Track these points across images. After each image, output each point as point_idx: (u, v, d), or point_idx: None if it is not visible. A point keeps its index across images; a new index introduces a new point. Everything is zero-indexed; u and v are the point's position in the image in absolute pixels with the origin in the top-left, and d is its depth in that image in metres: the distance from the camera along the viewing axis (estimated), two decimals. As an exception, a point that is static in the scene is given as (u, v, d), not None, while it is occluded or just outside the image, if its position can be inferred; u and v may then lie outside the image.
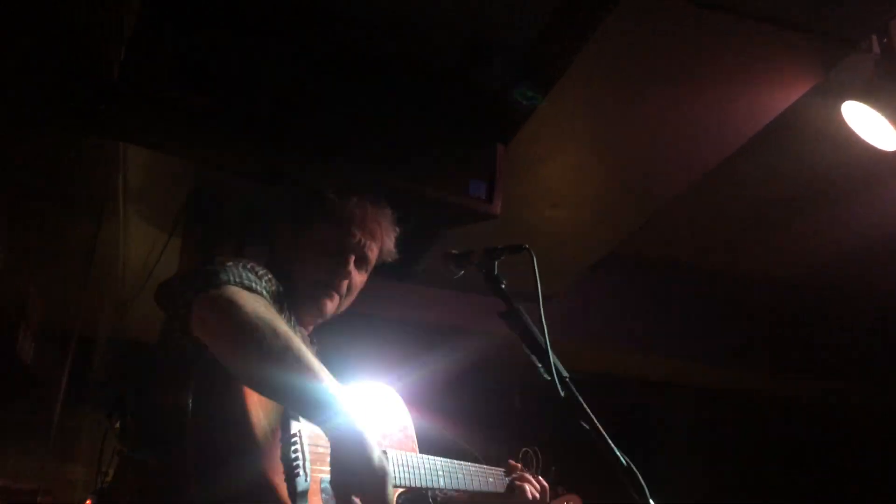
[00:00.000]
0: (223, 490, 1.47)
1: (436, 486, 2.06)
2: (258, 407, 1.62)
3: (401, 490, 1.95)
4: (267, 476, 1.56)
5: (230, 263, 1.69)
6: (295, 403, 1.60)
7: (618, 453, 1.63)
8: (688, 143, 3.35)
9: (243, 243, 4.61)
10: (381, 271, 2.22)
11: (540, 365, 1.77)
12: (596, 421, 1.72)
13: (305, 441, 1.67)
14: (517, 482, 2.43)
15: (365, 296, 2.20)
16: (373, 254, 2.13)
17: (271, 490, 1.55)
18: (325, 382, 1.53)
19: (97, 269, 3.55)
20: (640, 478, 1.57)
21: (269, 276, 1.81)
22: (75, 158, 2.59)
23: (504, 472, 2.47)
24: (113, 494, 1.72)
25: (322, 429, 1.56)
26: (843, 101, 3.13)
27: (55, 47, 2.00)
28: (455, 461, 2.19)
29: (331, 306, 2.05)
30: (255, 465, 1.56)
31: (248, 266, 1.75)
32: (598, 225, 4.20)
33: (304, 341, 1.83)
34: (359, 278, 2.11)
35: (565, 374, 1.75)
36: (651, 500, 1.56)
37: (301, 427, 1.69)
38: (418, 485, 1.98)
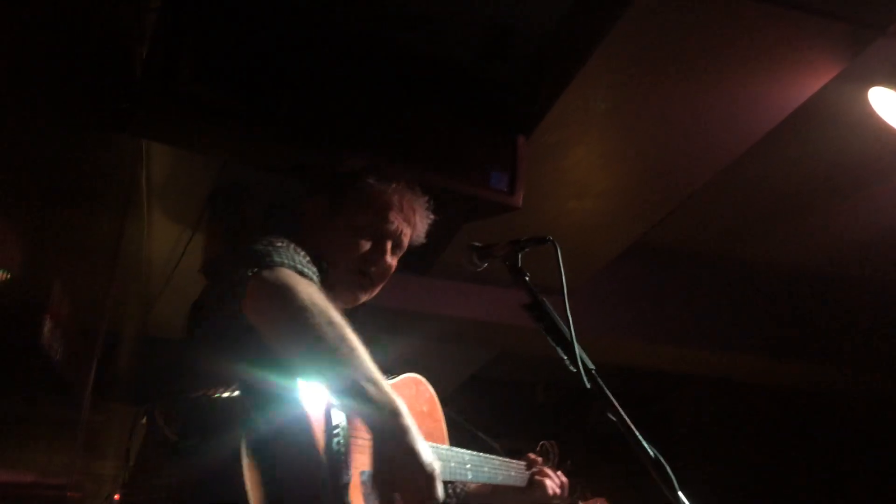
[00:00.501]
0: (271, 481, 1.45)
1: (463, 479, 2.05)
2: (307, 395, 1.60)
3: None
4: (312, 467, 1.55)
5: (280, 244, 1.65)
6: (343, 393, 1.56)
7: (646, 445, 1.62)
8: (713, 131, 3.31)
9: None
10: (400, 265, 2.17)
11: (566, 357, 1.76)
12: (623, 413, 1.71)
13: (346, 433, 1.66)
14: (538, 476, 2.41)
15: (384, 289, 2.18)
16: (407, 240, 2.10)
17: (316, 482, 1.54)
18: (376, 375, 1.52)
19: (122, 265, 3.58)
20: (669, 470, 1.56)
21: (308, 258, 1.75)
22: (99, 156, 2.61)
23: (525, 465, 2.45)
24: (145, 487, 1.68)
25: (367, 422, 1.53)
26: (870, 86, 3.08)
27: (77, 46, 2.01)
28: (481, 454, 2.17)
29: (364, 295, 2.03)
30: (303, 455, 1.54)
31: (295, 248, 1.71)
32: (622, 216, 4.17)
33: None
34: (393, 264, 2.07)
35: (591, 365, 1.74)
36: (679, 493, 1.55)
37: (342, 419, 1.67)
38: (447, 478, 1.95)
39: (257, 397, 1.53)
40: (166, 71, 2.49)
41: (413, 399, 2.02)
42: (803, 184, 4.29)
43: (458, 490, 2.25)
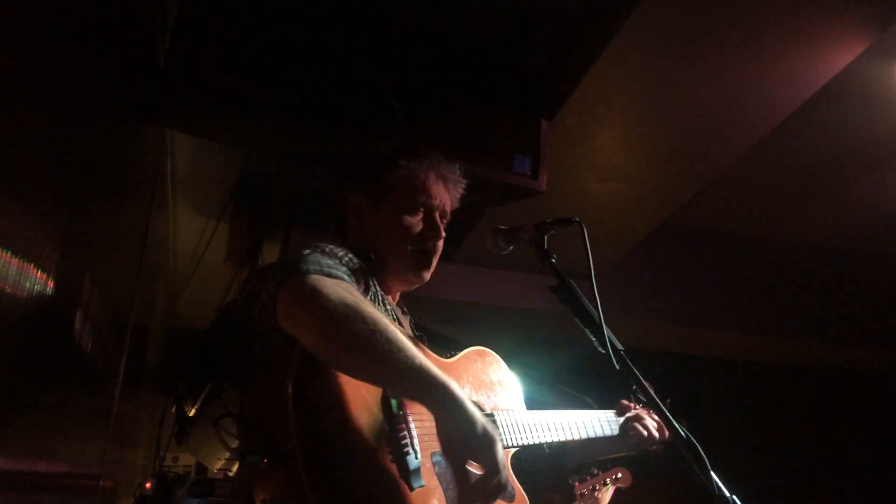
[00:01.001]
0: (338, 492, 1.47)
1: (546, 440, 2.03)
2: (359, 391, 1.61)
3: (514, 450, 1.94)
4: (377, 462, 1.56)
5: (307, 251, 1.68)
6: (389, 384, 1.60)
7: (677, 426, 1.61)
8: (739, 109, 3.27)
9: (290, 228, 4.65)
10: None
11: (594, 338, 1.75)
12: (654, 394, 1.70)
13: (410, 418, 1.66)
14: (631, 422, 2.33)
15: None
16: (450, 209, 2.12)
17: (383, 475, 1.55)
18: (417, 360, 1.53)
19: (149, 258, 3.61)
20: (701, 450, 1.55)
21: (349, 254, 1.79)
22: (126, 149, 2.63)
23: (615, 413, 2.38)
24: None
25: (423, 404, 1.57)
26: (899, 62, 3.03)
27: (102, 38, 2.02)
28: (564, 412, 2.15)
29: (428, 272, 2.05)
30: (365, 455, 1.55)
31: (327, 250, 1.73)
32: (647, 198, 4.13)
33: (393, 314, 1.90)
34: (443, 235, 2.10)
35: (620, 346, 1.73)
36: (712, 472, 1.54)
37: (403, 406, 1.67)
38: (529, 442, 1.97)
39: (311, 407, 1.53)
40: (191, 61, 2.49)
41: (479, 370, 2.02)
42: (831, 161, 4.23)
43: (553, 449, 2.24)
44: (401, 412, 1.64)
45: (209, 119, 2.73)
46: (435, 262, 2.06)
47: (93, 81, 1.98)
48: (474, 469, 1.56)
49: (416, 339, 2.00)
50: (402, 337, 1.55)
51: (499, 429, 1.85)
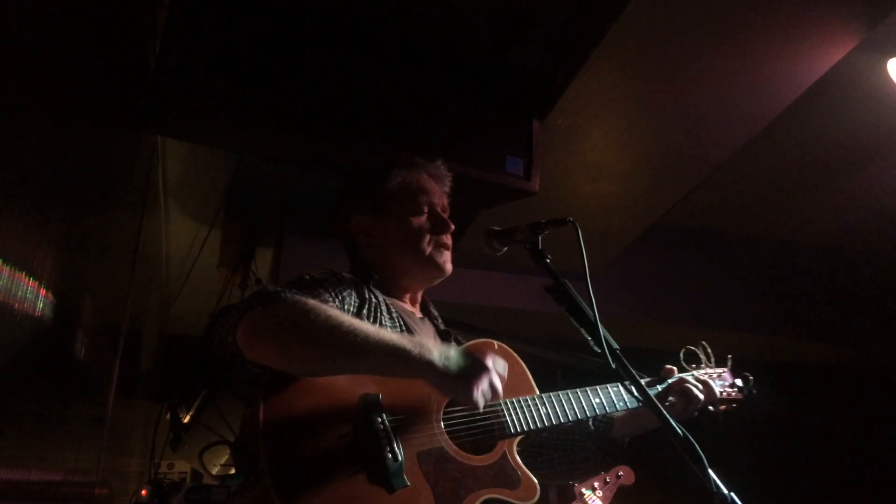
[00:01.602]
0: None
1: (559, 422, 1.99)
2: (333, 403, 1.66)
3: (521, 436, 1.92)
4: (350, 470, 1.60)
5: (257, 292, 1.75)
6: (358, 367, 1.67)
7: (673, 423, 1.60)
8: (731, 107, 3.28)
9: (282, 232, 4.65)
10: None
11: (590, 338, 1.75)
12: (649, 392, 1.70)
13: (389, 423, 1.69)
14: (674, 387, 2.26)
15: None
16: (447, 203, 2.22)
17: (357, 483, 1.59)
18: (373, 336, 1.61)
19: (142, 264, 3.60)
20: (698, 448, 1.55)
21: (329, 274, 1.89)
22: (117, 155, 2.62)
23: (655, 380, 2.30)
24: None
25: (393, 375, 1.68)
26: (889, 57, 3.05)
27: (91, 44, 2.01)
28: (591, 388, 2.12)
29: (449, 263, 2.13)
30: (336, 464, 1.59)
31: (288, 283, 1.83)
32: (640, 197, 4.14)
33: (398, 320, 1.95)
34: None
35: (616, 345, 1.73)
36: (710, 471, 1.53)
37: (382, 411, 1.70)
38: (539, 426, 1.94)
39: (279, 431, 1.60)
40: (181, 64, 2.49)
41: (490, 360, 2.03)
42: (823, 157, 4.25)
43: (599, 426, 2.22)
44: (379, 418, 1.68)
45: (200, 123, 2.73)
46: (450, 251, 2.14)
47: (83, 87, 1.97)
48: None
49: (443, 334, 2.12)
50: (356, 322, 1.63)
51: (504, 417, 1.88)
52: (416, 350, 1.62)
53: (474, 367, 1.66)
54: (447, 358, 1.64)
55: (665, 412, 1.64)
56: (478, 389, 1.63)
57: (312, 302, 1.67)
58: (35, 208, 1.63)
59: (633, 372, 1.69)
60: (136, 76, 2.76)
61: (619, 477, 3.76)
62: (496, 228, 2.00)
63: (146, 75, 2.80)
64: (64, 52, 1.74)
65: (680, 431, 1.58)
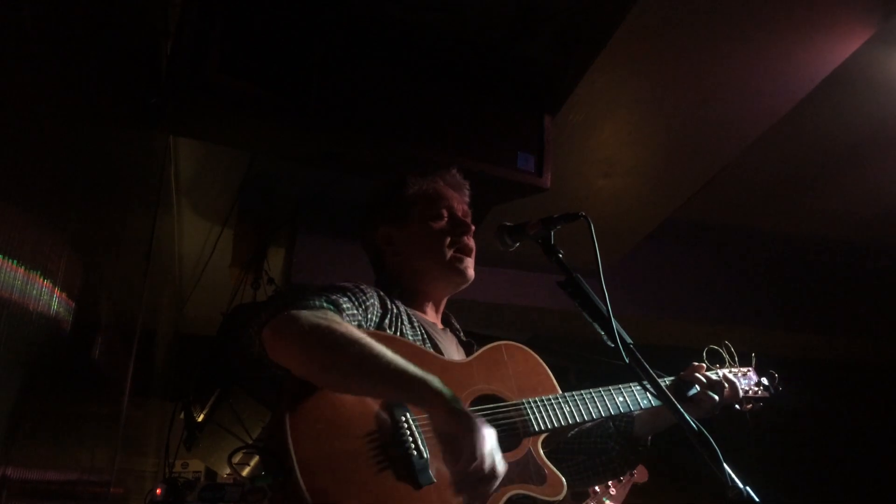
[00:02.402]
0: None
1: (580, 420, 1.99)
2: (359, 403, 1.68)
3: (544, 434, 1.92)
4: (376, 466, 1.61)
5: (287, 291, 1.79)
6: (373, 392, 1.68)
7: (688, 418, 1.60)
8: (744, 101, 3.26)
9: (295, 231, 4.65)
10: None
11: (603, 332, 1.74)
12: (663, 386, 1.69)
13: (415, 422, 1.71)
14: (698, 388, 2.20)
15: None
16: (466, 209, 2.23)
17: (383, 478, 1.60)
18: (393, 364, 1.60)
19: (155, 264, 3.61)
20: (713, 442, 1.54)
21: (351, 287, 1.88)
22: (130, 155, 2.63)
23: (681, 378, 2.25)
24: None
25: (407, 403, 1.69)
26: (903, 49, 3.02)
27: (104, 44, 2.02)
28: (614, 386, 2.11)
29: (471, 268, 2.14)
30: (363, 462, 1.61)
31: (312, 287, 1.83)
32: (652, 193, 4.12)
33: (420, 330, 1.96)
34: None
35: (629, 340, 1.72)
36: (725, 464, 1.53)
37: (406, 409, 1.72)
38: (560, 424, 1.94)
39: (306, 427, 1.61)
40: (194, 63, 2.50)
41: (501, 363, 2.04)
42: (836, 151, 4.21)
43: (620, 426, 2.19)
44: (404, 416, 1.70)
45: (213, 122, 2.73)
46: (472, 256, 2.15)
47: (95, 87, 1.98)
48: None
49: (465, 344, 2.14)
50: (379, 347, 1.63)
51: (528, 415, 1.88)
52: (430, 382, 1.60)
53: (478, 423, 1.58)
54: (456, 401, 1.60)
55: (678, 405, 1.64)
56: (481, 438, 1.55)
57: (338, 319, 1.70)
58: (48, 209, 1.64)
59: (647, 366, 1.69)
60: (148, 75, 2.78)
61: (632, 475, 3.75)
62: (508, 224, 2.00)
63: (158, 75, 2.81)
64: (76, 52, 1.75)
65: (695, 425, 1.58)
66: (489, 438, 1.57)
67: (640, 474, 3.80)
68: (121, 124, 2.43)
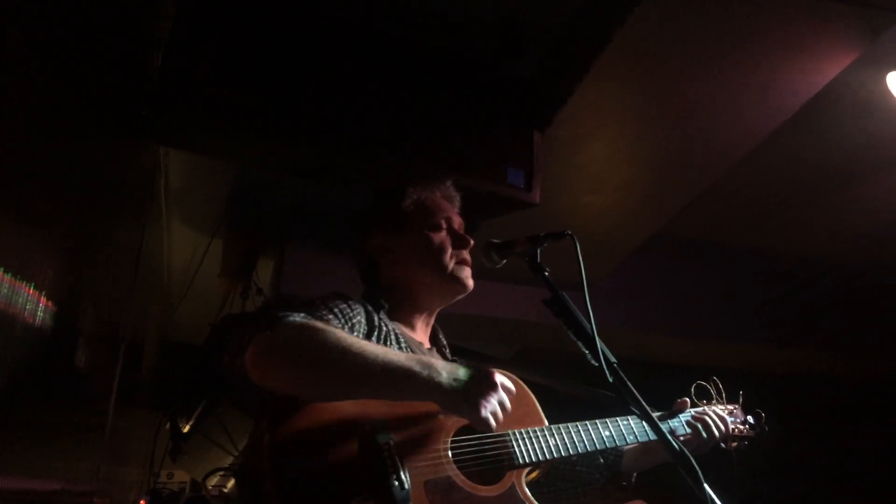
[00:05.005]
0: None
1: (567, 454, 1.97)
2: (341, 429, 1.66)
3: (528, 467, 1.90)
4: (356, 502, 1.59)
5: (266, 309, 1.78)
6: (363, 391, 1.67)
7: (670, 439, 1.61)
8: (731, 120, 3.29)
9: (284, 243, 4.65)
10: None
11: (587, 351, 1.75)
12: (646, 406, 1.70)
13: (395, 448, 1.67)
14: (688, 422, 2.26)
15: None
16: (461, 220, 2.26)
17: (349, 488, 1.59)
18: (380, 358, 1.63)
19: (143, 272, 3.60)
20: (694, 462, 1.55)
21: (334, 300, 1.89)
22: (119, 164, 2.63)
23: (667, 414, 2.30)
24: None
25: (400, 398, 1.68)
26: (889, 71, 3.05)
27: (94, 54, 2.03)
28: (601, 420, 2.10)
29: (471, 279, 2.16)
30: (344, 494, 1.58)
31: (295, 302, 1.83)
32: (639, 209, 4.15)
33: (405, 346, 1.96)
34: None
35: (613, 359, 1.73)
36: (705, 485, 1.53)
37: (390, 437, 1.69)
38: (546, 458, 1.92)
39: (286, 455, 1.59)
40: (184, 74, 2.50)
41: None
42: (822, 170, 4.25)
43: (609, 458, 2.22)
44: (387, 443, 1.66)
45: (203, 134, 2.74)
46: (470, 265, 2.17)
47: (85, 97, 1.99)
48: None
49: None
50: (364, 343, 1.65)
51: (513, 447, 1.87)
52: (424, 372, 1.63)
53: (482, 386, 1.67)
54: (455, 379, 1.65)
55: (660, 425, 1.64)
56: (486, 409, 1.64)
57: (320, 325, 1.69)
58: (36, 217, 1.64)
59: (631, 386, 1.69)
60: (138, 86, 2.78)
61: None
62: (495, 241, 2.01)
63: (149, 85, 2.81)
64: (66, 61, 1.75)
65: (676, 446, 1.58)
66: (490, 401, 1.65)
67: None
68: (110, 134, 2.43)
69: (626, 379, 1.70)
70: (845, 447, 6.41)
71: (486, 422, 1.64)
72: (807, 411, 6.54)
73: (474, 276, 2.19)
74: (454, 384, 1.63)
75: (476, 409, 1.63)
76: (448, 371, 1.66)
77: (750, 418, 2.52)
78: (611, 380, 1.70)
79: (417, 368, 1.64)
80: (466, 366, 1.78)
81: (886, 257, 5.16)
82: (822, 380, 6.44)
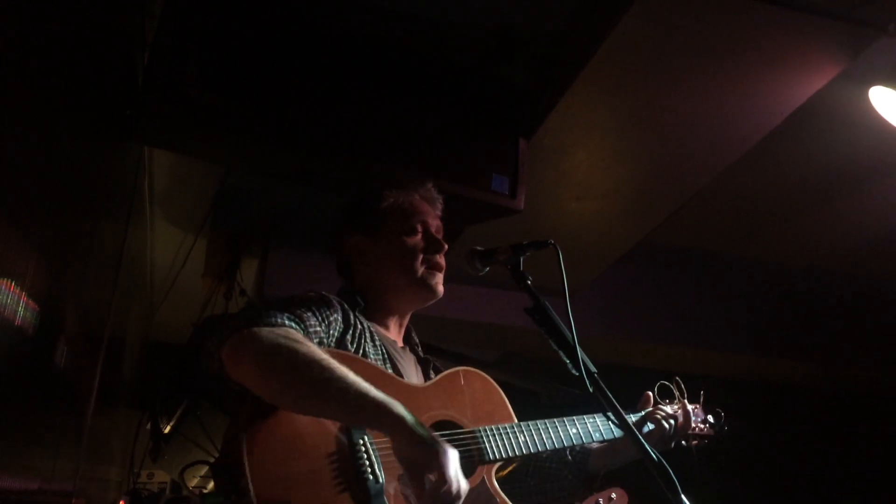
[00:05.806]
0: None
1: (535, 450, 2.01)
2: (318, 426, 1.67)
3: (498, 463, 1.94)
4: (330, 492, 1.61)
5: (248, 306, 1.77)
6: (334, 415, 1.67)
7: (648, 448, 1.62)
8: (715, 131, 3.32)
9: (268, 244, 4.64)
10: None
11: (568, 360, 1.76)
12: (625, 416, 1.71)
13: (372, 444, 1.71)
14: (651, 418, 2.31)
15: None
16: (439, 224, 2.25)
17: (341, 502, 1.60)
18: (355, 387, 1.60)
19: (125, 272, 3.59)
20: (671, 472, 1.56)
21: (314, 299, 1.88)
22: (103, 164, 2.61)
23: (631, 410, 2.36)
24: None
25: (369, 427, 1.67)
26: (871, 86, 3.08)
27: (79, 54, 2.02)
28: (567, 418, 2.14)
29: (441, 285, 2.15)
30: (319, 486, 1.60)
31: (275, 301, 1.83)
32: (624, 217, 4.17)
33: (381, 349, 1.96)
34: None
35: (593, 369, 1.74)
36: (682, 496, 1.54)
37: (364, 433, 1.72)
38: (515, 454, 1.95)
39: (262, 446, 1.60)
40: (170, 77, 2.49)
41: (459, 390, 2.04)
42: (804, 183, 4.29)
43: (577, 457, 2.24)
44: (361, 440, 1.69)
45: (188, 136, 2.73)
46: (443, 271, 2.16)
47: (69, 97, 1.98)
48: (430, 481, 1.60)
49: (422, 362, 2.15)
50: (341, 369, 1.62)
51: (483, 444, 1.89)
52: (393, 407, 1.61)
53: (443, 446, 1.60)
54: (420, 426, 1.61)
55: (641, 437, 1.66)
56: (448, 461, 1.58)
57: (299, 336, 1.69)
58: (18, 216, 1.63)
59: (611, 396, 1.70)
60: (123, 87, 2.77)
61: (612, 499, 3.75)
62: (478, 248, 2.02)
63: (134, 86, 2.80)
64: (51, 61, 1.74)
65: (655, 456, 1.60)
66: (454, 460, 1.59)
67: (619, 498, 3.79)
68: (94, 134, 2.42)
69: (605, 389, 1.71)
70: (831, 456, 6.45)
71: (445, 469, 1.56)
72: (788, 420, 6.59)
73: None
74: (419, 429, 1.60)
75: (436, 455, 1.57)
76: (413, 419, 1.62)
77: (710, 417, 2.57)
78: (591, 390, 1.71)
79: (385, 401, 1.61)
80: (436, 376, 1.78)
81: (871, 267, 5.21)
82: (806, 389, 6.49)
